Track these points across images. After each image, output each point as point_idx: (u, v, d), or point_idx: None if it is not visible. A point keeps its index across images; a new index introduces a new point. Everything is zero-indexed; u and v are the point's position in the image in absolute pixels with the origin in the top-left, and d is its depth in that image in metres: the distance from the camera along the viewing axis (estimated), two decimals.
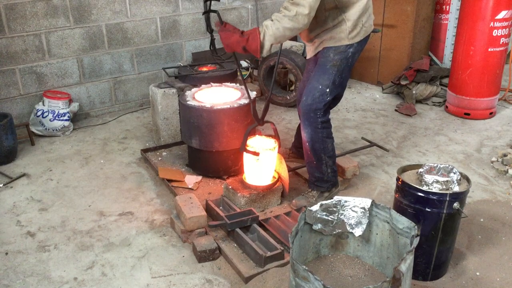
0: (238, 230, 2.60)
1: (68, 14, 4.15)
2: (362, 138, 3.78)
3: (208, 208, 2.86)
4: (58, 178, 3.40)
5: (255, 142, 2.96)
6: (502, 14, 4.00)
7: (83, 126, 4.28)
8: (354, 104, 4.76)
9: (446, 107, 4.49)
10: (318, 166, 2.91)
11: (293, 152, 3.49)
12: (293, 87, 4.73)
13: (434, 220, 2.26)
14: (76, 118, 4.31)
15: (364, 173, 3.42)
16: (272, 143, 2.94)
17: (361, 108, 4.61)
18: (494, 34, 4.01)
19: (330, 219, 2.06)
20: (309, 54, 2.99)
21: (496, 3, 3.97)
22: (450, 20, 5.10)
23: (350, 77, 5.38)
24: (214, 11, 4.82)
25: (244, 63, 5.09)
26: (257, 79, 4.92)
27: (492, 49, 4.07)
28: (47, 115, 4.01)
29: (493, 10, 3.98)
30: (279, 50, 4.10)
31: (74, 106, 4.20)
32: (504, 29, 4.04)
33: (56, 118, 4.02)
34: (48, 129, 4.03)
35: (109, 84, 4.54)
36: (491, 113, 4.31)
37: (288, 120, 4.40)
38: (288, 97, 4.67)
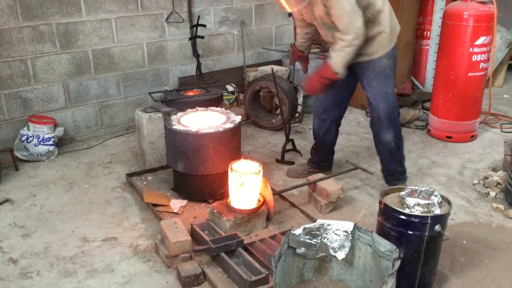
0: (223, 254, 2.60)
1: (54, 39, 4.18)
2: (347, 161, 3.82)
3: (193, 233, 2.85)
4: (41, 204, 3.37)
5: (240, 166, 2.98)
6: (481, 40, 4.12)
7: (68, 151, 4.26)
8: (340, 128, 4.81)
9: (429, 130, 4.57)
10: (401, 161, 3.39)
11: (312, 167, 3.72)
12: (278, 111, 4.78)
13: (416, 242, 2.28)
14: (61, 143, 4.29)
15: (349, 196, 3.44)
16: (257, 166, 2.96)
17: (346, 132, 4.66)
18: (473, 60, 4.12)
19: (313, 242, 2.07)
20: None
21: (475, 30, 4.09)
22: (431, 45, 5.24)
23: None
24: (201, 37, 4.94)
25: (230, 87, 5.15)
26: (243, 103, 4.97)
27: (472, 74, 4.17)
28: (32, 140, 3.99)
29: (472, 36, 4.10)
30: (272, 75, 4.20)
31: (59, 131, 4.19)
32: (483, 55, 4.16)
33: (41, 143, 4.01)
34: (33, 154, 4.01)
35: (95, 108, 4.55)
36: (472, 136, 4.39)
37: (273, 143, 4.43)
38: (274, 121, 4.71)
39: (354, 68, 3.17)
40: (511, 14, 5.82)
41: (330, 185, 3.26)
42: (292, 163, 4.00)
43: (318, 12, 2.96)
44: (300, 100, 4.85)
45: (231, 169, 2.91)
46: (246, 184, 2.88)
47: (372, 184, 3.61)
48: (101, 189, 3.57)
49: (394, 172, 3.42)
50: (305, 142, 4.43)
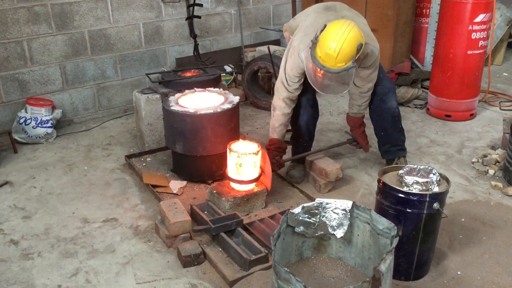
0: (222, 234, 2.61)
1: (50, 20, 4.13)
2: (346, 132, 3.71)
3: (192, 213, 2.86)
4: (41, 186, 3.38)
5: (238, 146, 2.98)
6: (480, 17, 4.08)
7: (66, 133, 4.25)
8: (337, 108, 4.81)
9: (428, 109, 4.56)
10: (402, 129, 3.41)
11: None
12: None
13: (415, 220, 2.30)
14: (59, 125, 4.28)
15: (348, 175, 3.45)
16: (255, 147, 2.96)
17: (345, 111, 4.63)
18: (473, 37, 4.09)
19: (312, 221, 2.08)
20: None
21: (475, 7, 4.05)
22: (430, 23, 5.19)
23: None
24: (198, 17, 4.89)
25: (228, 68, 5.12)
26: (241, 84, 4.94)
27: (471, 52, 4.15)
28: (30, 122, 3.98)
29: (471, 14, 4.06)
30: (267, 55, 4.14)
31: (57, 113, 4.17)
32: (482, 32, 4.12)
33: (39, 125, 4.00)
34: (31, 136, 4.00)
35: (92, 90, 4.52)
36: (471, 115, 4.39)
37: None
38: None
39: None
40: None
41: (329, 164, 3.26)
42: (289, 142, 3.99)
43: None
44: None
45: (230, 150, 2.91)
46: (244, 164, 2.89)
47: (371, 164, 3.61)
48: (101, 171, 3.57)
49: (398, 141, 3.40)
50: None
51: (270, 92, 4.89)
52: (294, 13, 5.17)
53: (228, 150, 2.94)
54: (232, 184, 2.99)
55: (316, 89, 2.80)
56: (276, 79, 4.51)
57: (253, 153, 2.90)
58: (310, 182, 3.37)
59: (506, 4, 5.75)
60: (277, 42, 5.44)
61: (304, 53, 2.81)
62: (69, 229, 2.87)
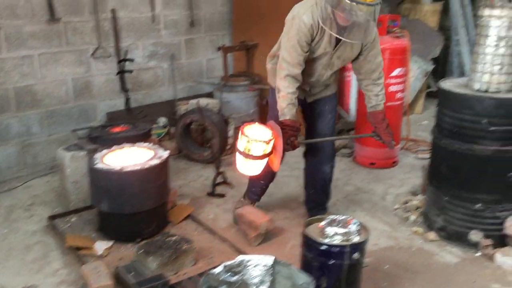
0: None
1: None
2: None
3: (117, 276, 2.76)
4: None
5: (252, 130, 2.85)
6: (396, 71, 4.39)
7: None
8: None
9: (355, 157, 4.75)
10: (329, 192, 3.51)
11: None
12: (209, 144, 4.80)
13: (337, 271, 2.35)
14: None
15: (279, 226, 3.48)
16: (268, 135, 2.83)
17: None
18: (390, 90, 4.37)
19: (234, 280, 2.07)
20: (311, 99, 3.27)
21: (391, 62, 4.36)
22: (352, 76, 5.50)
23: None
24: (129, 71, 4.90)
25: (162, 121, 5.12)
26: (174, 137, 4.94)
27: (390, 104, 4.40)
28: None
29: (388, 68, 4.35)
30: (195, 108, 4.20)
31: None
32: (399, 85, 4.43)
33: None
34: None
35: (16, 148, 4.35)
36: (394, 162, 4.62)
37: (205, 176, 4.42)
38: (205, 154, 4.72)
39: (316, 102, 3.27)
40: (427, 46, 6.26)
41: (259, 217, 3.29)
42: (223, 195, 4.01)
43: (348, 54, 3.02)
44: (231, 132, 4.90)
45: (242, 133, 2.78)
46: (253, 150, 2.78)
47: (302, 214, 3.67)
48: (21, 234, 3.39)
49: (323, 203, 3.53)
50: (236, 174, 4.44)
51: (203, 144, 4.91)
52: (225, 68, 5.32)
53: (239, 132, 2.81)
54: (239, 164, 2.88)
55: (343, 38, 2.74)
56: (209, 132, 4.58)
57: (264, 141, 2.78)
58: (241, 235, 3.37)
59: (422, 57, 6.23)
60: (210, 95, 5.53)
61: (317, 11, 2.79)
62: None
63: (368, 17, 2.65)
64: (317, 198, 3.51)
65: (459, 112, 3.08)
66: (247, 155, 2.79)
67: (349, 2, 2.58)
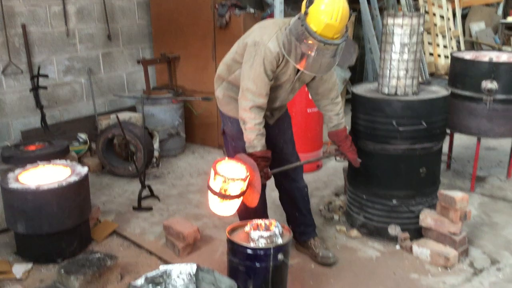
0: None
1: None
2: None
3: None
4: None
5: (225, 168, 2.69)
6: None
7: None
8: (197, 169, 4.89)
9: None
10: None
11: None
12: (134, 158, 4.70)
13: (263, 274, 2.39)
14: None
15: (207, 235, 3.48)
16: (243, 171, 2.68)
17: (205, 172, 4.74)
18: (310, 97, 4.53)
19: None
20: (272, 121, 3.09)
21: None
22: None
23: (193, 142, 5.57)
24: (44, 87, 4.70)
25: (82, 137, 4.94)
26: (96, 152, 4.79)
27: (310, 110, 4.58)
28: None
29: None
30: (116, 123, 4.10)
31: None
32: None
33: None
34: None
35: None
36: (318, 166, 4.78)
37: (131, 191, 4.33)
38: (130, 168, 4.61)
39: (276, 122, 3.13)
40: (343, 55, 6.56)
41: (186, 227, 3.27)
42: (150, 209, 3.94)
43: (307, 76, 2.87)
44: (156, 145, 4.84)
45: (216, 173, 2.60)
46: (230, 190, 2.61)
47: (231, 222, 3.68)
48: None
49: (311, 221, 3.30)
50: (163, 186, 4.41)
51: (128, 159, 4.80)
52: (147, 81, 5.24)
53: (212, 172, 2.63)
54: (213, 206, 2.72)
55: (307, 71, 2.62)
56: (133, 146, 4.48)
57: (241, 179, 2.61)
58: (169, 247, 3.33)
59: (340, 66, 6.53)
60: (133, 109, 5.43)
61: (281, 37, 2.62)
62: None
63: (334, 53, 2.56)
64: (305, 219, 3.26)
65: (371, 115, 3.26)
66: (224, 196, 2.63)
67: (316, 41, 2.47)
